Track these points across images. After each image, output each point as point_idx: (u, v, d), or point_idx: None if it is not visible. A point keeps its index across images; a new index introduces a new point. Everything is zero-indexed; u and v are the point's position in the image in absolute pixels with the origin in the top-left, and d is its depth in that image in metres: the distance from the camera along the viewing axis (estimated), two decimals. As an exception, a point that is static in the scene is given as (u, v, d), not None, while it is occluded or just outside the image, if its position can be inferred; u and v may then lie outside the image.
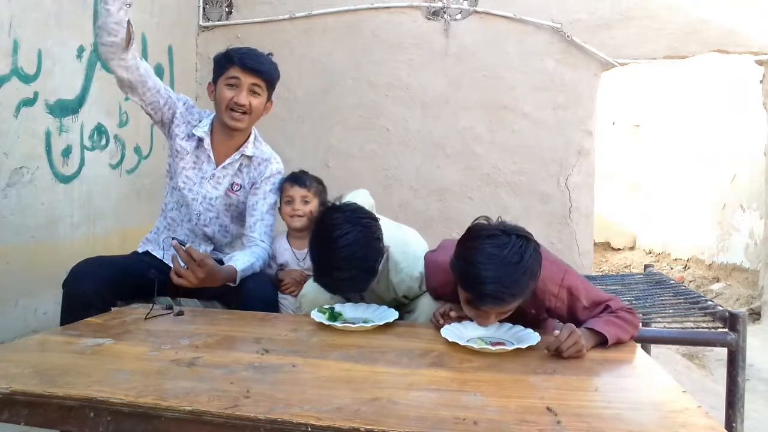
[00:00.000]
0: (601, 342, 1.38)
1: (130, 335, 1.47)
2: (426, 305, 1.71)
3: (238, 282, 1.84)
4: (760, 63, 3.92)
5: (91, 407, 1.04)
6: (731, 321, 1.83)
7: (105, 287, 1.79)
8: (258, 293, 1.85)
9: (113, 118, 3.22)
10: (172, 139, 2.06)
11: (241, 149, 2.07)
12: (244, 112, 1.98)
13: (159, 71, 3.63)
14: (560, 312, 1.51)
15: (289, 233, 2.25)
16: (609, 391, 1.16)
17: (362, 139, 4.05)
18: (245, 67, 1.95)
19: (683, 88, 6.68)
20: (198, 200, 2.06)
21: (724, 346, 1.83)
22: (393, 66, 3.99)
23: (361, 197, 2.16)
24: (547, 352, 1.32)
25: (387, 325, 1.56)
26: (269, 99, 2.07)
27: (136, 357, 1.29)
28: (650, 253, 7.63)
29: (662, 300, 2.41)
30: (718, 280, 5.81)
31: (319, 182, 2.27)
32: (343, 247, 1.53)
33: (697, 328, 2.04)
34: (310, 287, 1.81)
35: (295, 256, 2.21)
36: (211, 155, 2.05)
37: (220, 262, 1.91)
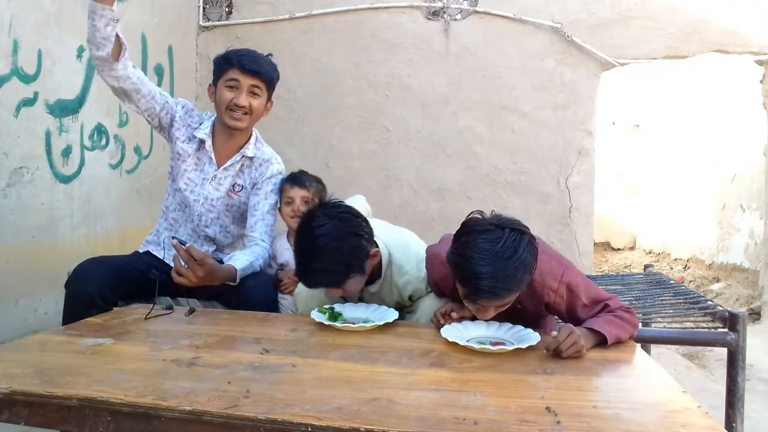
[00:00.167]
0: (601, 342, 1.38)
1: (130, 335, 1.47)
2: (428, 306, 1.71)
3: (238, 281, 1.85)
4: (760, 63, 3.92)
5: (91, 407, 1.04)
6: (731, 321, 1.83)
7: (107, 287, 1.79)
8: (257, 292, 1.86)
9: (113, 118, 3.22)
10: (173, 142, 2.07)
11: (242, 150, 2.08)
12: (245, 113, 1.99)
13: (159, 71, 3.63)
14: (559, 308, 1.51)
15: (290, 233, 2.25)
16: (609, 391, 1.16)
17: (362, 139, 4.05)
18: (244, 68, 1.96)
19: (683, 88, 6.68)
20: (200, 201, 2.07)
21: (724, 346, 1.83)
22: (393, 66, 3.99)
23: (357, 204, 2.18)
24: (547, 352, 1.32)
25: (387, 325, 1.56)
26: (269, 100, 2.08)
27: (136, 357, 1.29)
28: (650, 253, 7.63)
29: (662, 300, 2.41)
30: (718, 280, 5.81)
31: (319, 182, 2.27)
32: (317, 237, 1.54)
33: (697, 328, 2.05)
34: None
35: (295, 256, 2.21)
36: (213, 157, 2.06)
37: (221, 261, 1.91)
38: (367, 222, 1.67)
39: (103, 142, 3.16)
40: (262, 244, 2.05)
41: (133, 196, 3.42)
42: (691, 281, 6.02)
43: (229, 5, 4.14)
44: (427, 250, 1.73)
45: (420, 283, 1.74)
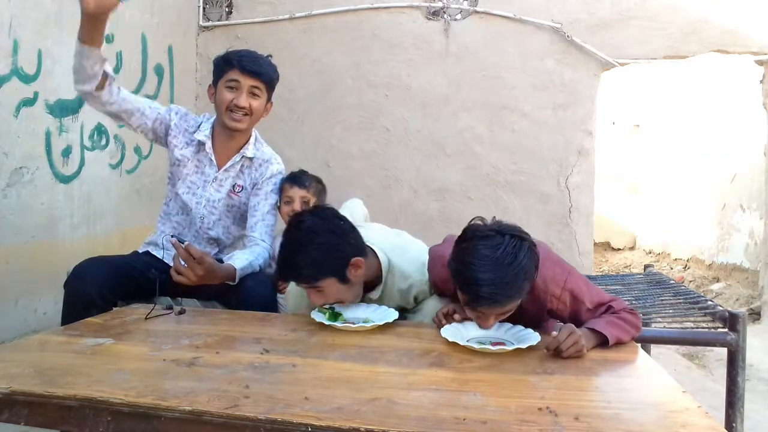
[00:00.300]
0: (602, 342, 1.38)
1: (130, 335, 1.47)
2: (431, 307, 1.71)
3: (237, 280, 1.85)
4: (760, 63, 3.92)
5: (91, 407, 1.04)
6: (731, 321, 1.83)
7: (106, 287, 1.79)
8: (257, 292, 1.86)
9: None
10: (171, 150, 2.07)
11: (242, 151, 2.08)
12: (245, 114, 1.99)
13: (159, 71, 3.63)
14: (562, 314, 1.51)
15: (289, 233, 2.25)
16: (609, 391, 1.16)
17: (362, 139, 4.05)
18: (244, 69, 1.96)
19: (683, 88, 6.68)
20: (201, 203, 2.08)
21: (724, 346, 1.83)
22: (393, 66, 3.99)
23: (354, 207, 2.18)
24: (547, 352, 1.32)
25: (387, 325, 1.56)
26: (269, 100, 2.08)
27: (136, 357, 1.29)
28: (650, 253, 7.63)
29: (662, 300, 2.41)
30: (718, 280, 5.81)
31: (319, 182, 2.27)
32: (295, 231, 1.58)
33: (697, 328, 2.04)
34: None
35: (295, 256, 2.21)
36: (213, 159, 2.07)
37: (220, 261, 1.92)
38: (354, 230, 1.66)
39: (103, 142, 3.16)
40: (263, 244, 2.05)
41: (133, 196, 3.42)
42: (691, 281, 6.02)
43: (229, 5, 4.14)
44: (430, 251, 1.73)
45: (424, 285, 1.74)
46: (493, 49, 3.90)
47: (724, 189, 5.88)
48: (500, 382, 1.18)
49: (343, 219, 1.66)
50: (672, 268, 6.73)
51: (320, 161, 3.98)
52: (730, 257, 5.76)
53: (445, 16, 3.94)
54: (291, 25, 4.07)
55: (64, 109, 2.85)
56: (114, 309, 1.75)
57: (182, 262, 1.69)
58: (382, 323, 1.55)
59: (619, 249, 8.23)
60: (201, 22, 4.12)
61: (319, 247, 1.55)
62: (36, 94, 2.67)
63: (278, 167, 2.15)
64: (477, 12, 3.90)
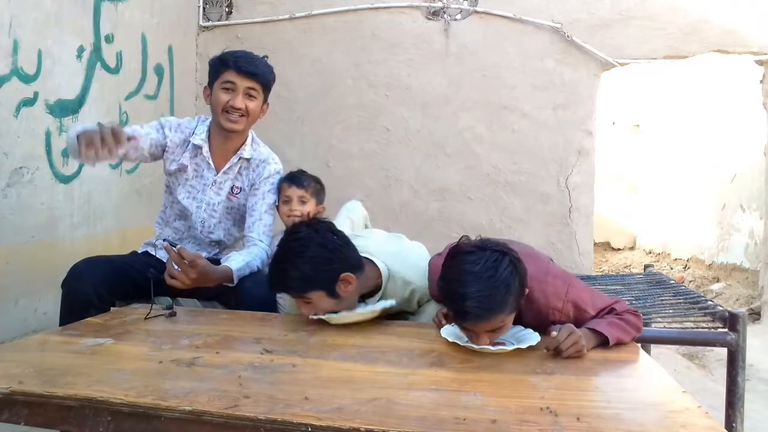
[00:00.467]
0: (602, 343, 1.38)
1: (130, 335, 1.47)
2: (433, 310, 1.71)
3: (236, 281, 1.84)
4: (760, 63, 3.92)
5: (91, 407, 1.04)
6: (731, 321, 1.83)
7: (104, 287, 1.79)
8: (255, 293, 1.85)
9: (113, 118, 3.21)
10: (169, 164, 2.08)
11: (239, 152, 2.08)
12: (241, 115, 1.99)
13: (159, 71, 3.63)
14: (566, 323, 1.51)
15: (289, 233, 2.25)
16: (609, 391, 1.15)
17: (362, 139, 4.05)
18: (240, 70, 1.95)
19: (683, 88, 6.68)
20: (202, 207, 2.08)
21: (724, 346, 1.82)
22: (393, 66, 3.99)
23: (353, 209, 2.18)
24: (547, 352, 1.32)
25: (387, 325, 1.56)
26: (265, 101, 2.08)
27: (136, 357, 1.29)
28: (650, 253, 7.63)
29: (662, 300, 2.41)
30: (718, 280, 5.81)
31: (318, 181, 2.27)
32: (286, 242, 1.61)
33: (697, 328, 2.04)
34: None
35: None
36: (211, 162, 2.07)
37: (217, 262, 1.91)
38: (348, 245, 1.66)
39: (103, 142, 3.16)
40: (260, 244, 2.05)
41: (133, 196, 3.42)
42: (691, 281, 6.02)
43: (229, 5, 4.13)
44: (430, 263, 1.72)
45: (426, 288, 1.75)
46: (493, 49, 3.90)
47: (724, 189, 5.88)
48: (500, 382, 1.18)
49: (338, 233, 1.66)
50: (672, 268, 6.73)
51: (320, 161, 3.98)
52: (730, 257, 5.76)
53: (445, 16, 3.94)
54: (291, 25, 4.07)
55: (64, 109, 2.84)
56: (113, 309, 1.75)
57: (175, 266, 1.68)
58: (380, 308, 1.57)
59: (619, 249, 8.24)
60: (201, 22, 4.12)
61: (309, 260, 1.56)
62: (36, 94, 2.67)
63: (276, 167, 2.15)
64: (477, 12, 3.90)
